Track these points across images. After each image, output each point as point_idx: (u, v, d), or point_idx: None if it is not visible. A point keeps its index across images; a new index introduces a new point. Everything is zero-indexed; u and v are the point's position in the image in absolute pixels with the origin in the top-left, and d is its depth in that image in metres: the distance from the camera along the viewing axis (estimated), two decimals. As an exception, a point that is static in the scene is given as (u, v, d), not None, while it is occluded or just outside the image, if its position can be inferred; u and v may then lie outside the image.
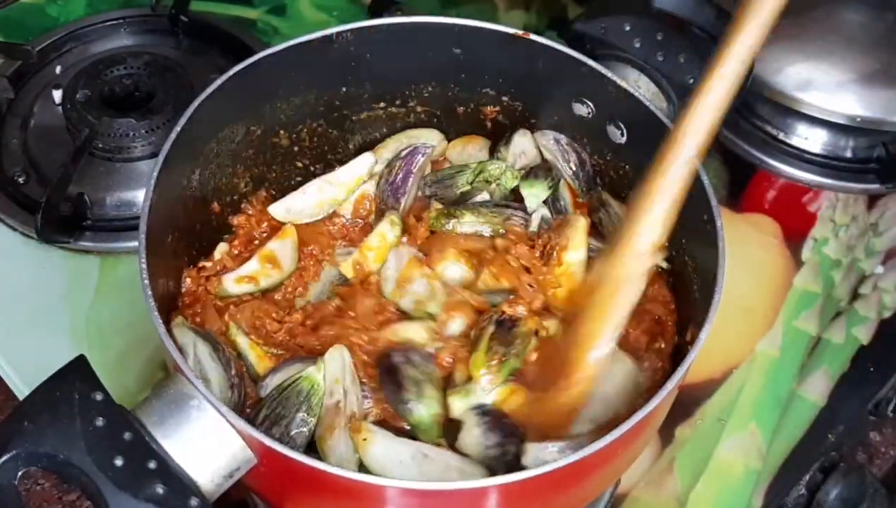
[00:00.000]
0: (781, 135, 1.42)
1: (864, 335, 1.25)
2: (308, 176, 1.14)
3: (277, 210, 1.09)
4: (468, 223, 1.06)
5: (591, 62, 1.06)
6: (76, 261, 1.24)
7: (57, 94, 1.35)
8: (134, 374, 1.15)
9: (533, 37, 1.07)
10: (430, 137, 1.15)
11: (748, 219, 1.35)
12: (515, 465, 0.89)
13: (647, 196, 0.88)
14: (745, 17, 0.83)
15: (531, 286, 1.01)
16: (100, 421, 0.78)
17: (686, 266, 1.03)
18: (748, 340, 1.23)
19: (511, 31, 1.07)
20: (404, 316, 1.02)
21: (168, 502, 0.77)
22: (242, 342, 0.99)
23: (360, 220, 1.11)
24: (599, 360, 0.89)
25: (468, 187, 1.09)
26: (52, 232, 1.23)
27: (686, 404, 1.17)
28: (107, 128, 1.29)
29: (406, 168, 1.09)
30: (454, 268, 1.03)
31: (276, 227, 1.09)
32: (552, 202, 1.10)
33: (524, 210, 1.07)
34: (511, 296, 1.00)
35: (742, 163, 1.41)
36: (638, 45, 1.17)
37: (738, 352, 1.22)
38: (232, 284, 1.03)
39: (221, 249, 1.06)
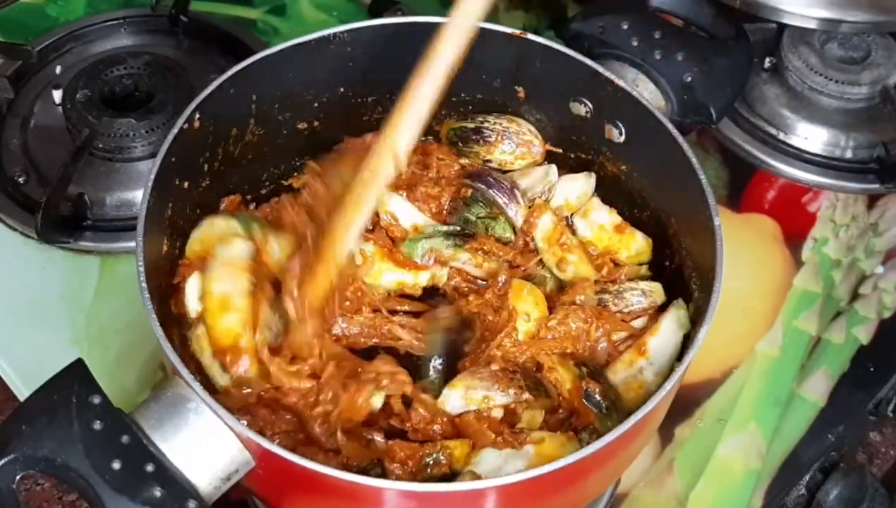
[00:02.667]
0: (781, 136, 1.42)
1: (864, 335, 1.25)
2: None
3: None
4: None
5: (588, 61, 1.06)
6: (76, 261, 1.24)
7: (57, 94, 1.35)
8: (134, 374, 1.15)
9: (530, 36, 1.07)
10: None
11: (748, 219, 1.35)
12: None
13: (409, 102, 0.90)
14: None
15: None
16: (97, 425, 0.79)
17: (685, 266, 1.03)
18: (748, 340, 1.23)
19: (508, 30, 1.07)
20: None
21: (166, 505, 0.77)
22: None
23: None
24: (348, 252, 0.97)
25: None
26: (52, 232, 1.23)
27: (686, 404, 1.16)
28: (107, 128, 1.29)
29: None
30: None
31: None
32: None
33: None
34: None
35: (742, 163, 1.40)
36: (636, 44, 1.17)
37: (738, 352, 1.22)
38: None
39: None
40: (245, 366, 0.93)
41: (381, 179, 0.92)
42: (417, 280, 1.06)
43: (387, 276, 1.05)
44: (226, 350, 0.93)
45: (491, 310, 1.04)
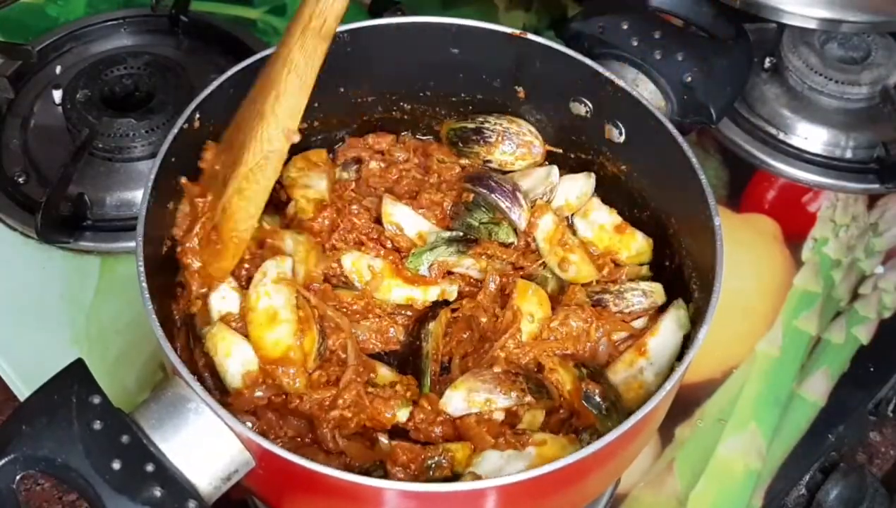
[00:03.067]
0: (781, 136, 1.42)
1: (864, 335, 1.25)
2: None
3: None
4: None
5: (588, 61, 1.06)
6: (76, 261, 1.24)
7: (57, 94, 1.35)
8: (134, 374, 1.15)
9: (530, 36, 1.07)
10: None
11: (748, 219, 1.35)
12: None
13: (287, 81, 0.90)
14: None
15: None
16: (97, 425, 0.79)
17: (685, 266, 1.03)
18: (748, 340, 1.23)
19: (508, 30, 1.07)
20: None
21: (166, 505, 0.77)
22: None
23: None
24: (245, 232, 0.95)
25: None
26: (52, 232, 1.23)
27: (686, 404, 1.16)
28: (107, 128, 1.29)
29: None
30: None
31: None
32: None
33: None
34: None
35: (742, 163, 1.40)
36: (636, 44, 1.17)
37: (738, 352, 1.22)
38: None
39: None
40: (297, 379, 0.94)
41: (275, 156, 0.92)
42: (427, 296, 1.05)
43: (396, 292, 1.04)
44: (276, 362, 0.94)
45: (482, 312, 1.04)
